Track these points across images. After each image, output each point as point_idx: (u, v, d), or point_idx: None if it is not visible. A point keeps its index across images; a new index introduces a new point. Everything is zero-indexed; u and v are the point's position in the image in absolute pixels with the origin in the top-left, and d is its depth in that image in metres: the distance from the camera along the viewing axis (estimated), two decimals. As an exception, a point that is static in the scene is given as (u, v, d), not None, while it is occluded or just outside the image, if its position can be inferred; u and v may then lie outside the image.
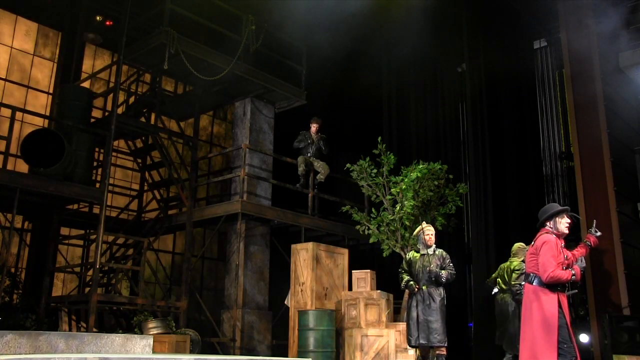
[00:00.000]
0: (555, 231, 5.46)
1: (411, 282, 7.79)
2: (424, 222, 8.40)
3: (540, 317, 5.24)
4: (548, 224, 5.52)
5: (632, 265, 10.10)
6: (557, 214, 5.48)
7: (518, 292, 8.34)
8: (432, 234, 8.00)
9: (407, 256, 8.18)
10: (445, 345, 7.54)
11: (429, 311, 7.53)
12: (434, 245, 7.97)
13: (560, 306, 5.26)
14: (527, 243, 9.04)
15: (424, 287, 7.68)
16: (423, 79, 13.56)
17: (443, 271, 7.71)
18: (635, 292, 9.93)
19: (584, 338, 10.62)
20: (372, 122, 13.83)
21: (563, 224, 5.49)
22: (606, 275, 9.95)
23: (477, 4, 12.52)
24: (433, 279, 7.70)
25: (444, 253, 7.96)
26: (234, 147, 12.30)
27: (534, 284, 5.37)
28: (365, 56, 13.77)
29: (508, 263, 8.88)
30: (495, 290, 9.00)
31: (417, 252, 8.08)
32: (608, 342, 9.03)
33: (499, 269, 9.09)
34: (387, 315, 9.12)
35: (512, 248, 9.01)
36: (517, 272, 8.53)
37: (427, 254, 7.87)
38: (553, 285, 5.29)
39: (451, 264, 7.86)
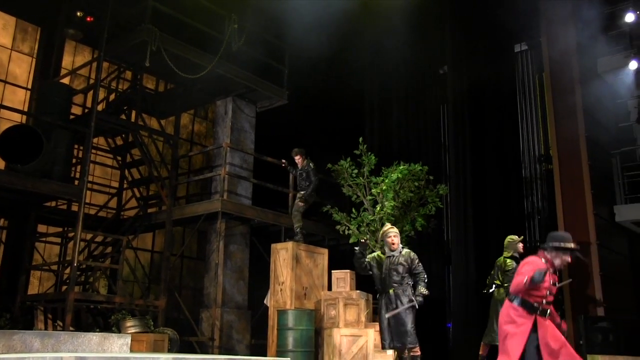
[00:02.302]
0: (550, 261, 5.12)
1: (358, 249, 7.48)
2: (387, 223, 7.88)
3: (508, 345, 4.97)
4: (551, 252, 5.13)
5: (607, 267, 10.26)
6: (565, 251, 5.11)
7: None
8: (395, 237, 7.41)
9: (374, 254, 7.76)
10: (418, 345, 7.33)
11: (398, 315, 7.12)
12: (399, 248, 7.41)
13: (535, 329, 4.93)
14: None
15: (390, 291, 7.27)
16: (405, 80, 13.63)
17: (419, 291, 7.14)
18: (610, 293, 10.08)
19: (559, 339, 10.73)
20: (354, 123, 13.86)
21: (563, 261, 5.15)
22: (582, 277, 10.09)
23: (459, 6, 12.61)
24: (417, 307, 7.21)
25: (412, 254, 7.37)
26: (215, 145, 12.26)
27: (513, 302, 5.11)
28: (347, 57, 13.80)
29: (502, 258, 8.83)
30: (493, 287, 8.93)
31: (384, 253, 7.59)
32: (583, 343, 9.16)
33: (495, 264, 8.98)
34: (366, 315, 9.15)
35: (505, 243, 8.92)
36: (508, 272, 8.53)
37: (393, 255, 7.36)
38: (531, 308, 4.99)
39: (420, 265, 7.32)
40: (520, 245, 8.76)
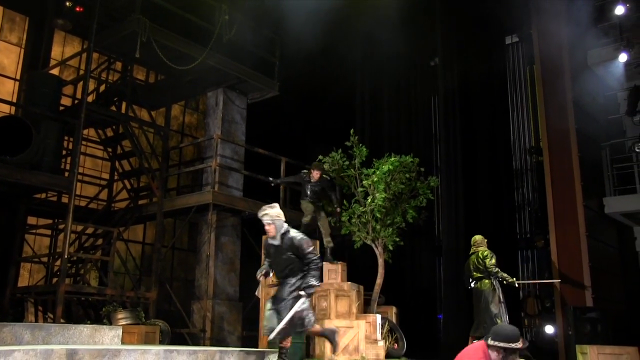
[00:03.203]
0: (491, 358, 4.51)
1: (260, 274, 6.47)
2: (264, 206, 6.53)
3: None
4: (495, 350, 4.46)
5: (596, 258, 10.35)
6: (513, 351, 4.43)
7: (497, 274, 8.56)
8: (268, 224, 6.26)
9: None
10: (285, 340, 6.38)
11: (279, 307, 6.19)
12: (279, 234, 6.26)
13: None
14: (496, 234, 9.25)
15: (279, 285, 6.38)
16: (396, 72, 13.62)
17: (307, 283, 6.19)
18: (598, 284, 10.18)
19: (549, 329, 10.85)
20: (345, 115, 13.85)
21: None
22: (572, 268, 10.18)
23: (450, -2, 12.60)
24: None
25: (297, 240, 6.23)
26: (206, 137, 12.23)
27: None
28: (339, 49, 13.77)
29: (474, 256, 8.96)
30: (472, 284, 9.02)
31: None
32: (572, 333, 9.25)
33: (467, 264, 9.11)
34: (358, 307, 9.18)
35: (475, 239, 9.11)
36: (487, 257, 8.70)
37: (273, 244, 6.33)
38: None
39: (310, 254, 6.22)
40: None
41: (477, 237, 9.16)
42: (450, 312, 11.07)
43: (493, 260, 8.71)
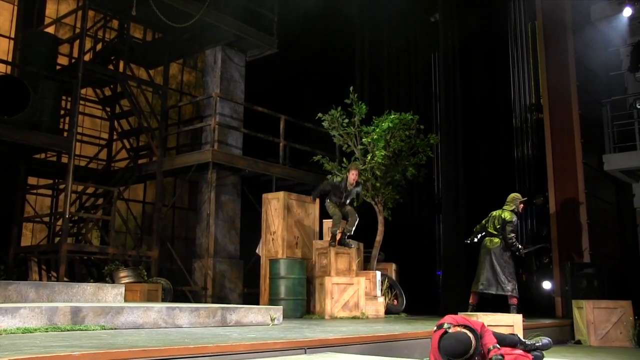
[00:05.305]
0: None
1: None
2: None
3: None
4: None
5: (594, 215, 10.41)
6: None
7: (514, 244, 8.47)
8: None
9: None
10: None
11: None
12: None
13: None
14: (495, 191, 9.19)
15: None
16: (396, 28, 13.42)
17: None
18: (596, 240, 10.27)
19: (546, 285, 10.98)
20: (344, 72, 13.72)
21: None
22: (570, 225, 10.24)
23: (451, -48, 12.32)
24: None
25: None
26: (205, 95, 12.14)
27: None
28: (338, 5, 13.54)
29: (500, 211, 8.79)
30: (478, 236, 8.91)
31: None
32: (569, 288, 9.37)
33: (489, 215, 8.95)
34: (357, 264, 9.28)
35: (508, 197, 8.89)
36: (510, 224, 8.55)
37: None
38: None
39: None
40: (522, 205, 8.81)
41: (510, 196, 8.79)
42: (449, 269, 11.19)
43: (513, 234, 8.55)
